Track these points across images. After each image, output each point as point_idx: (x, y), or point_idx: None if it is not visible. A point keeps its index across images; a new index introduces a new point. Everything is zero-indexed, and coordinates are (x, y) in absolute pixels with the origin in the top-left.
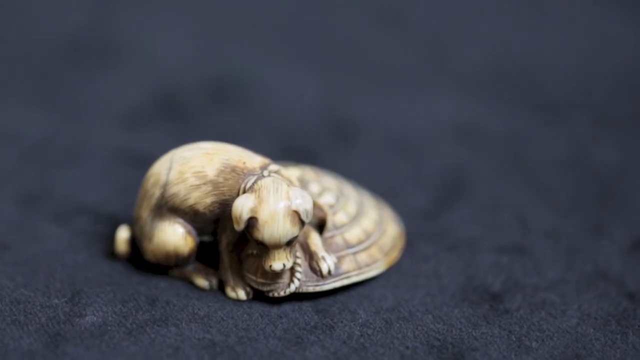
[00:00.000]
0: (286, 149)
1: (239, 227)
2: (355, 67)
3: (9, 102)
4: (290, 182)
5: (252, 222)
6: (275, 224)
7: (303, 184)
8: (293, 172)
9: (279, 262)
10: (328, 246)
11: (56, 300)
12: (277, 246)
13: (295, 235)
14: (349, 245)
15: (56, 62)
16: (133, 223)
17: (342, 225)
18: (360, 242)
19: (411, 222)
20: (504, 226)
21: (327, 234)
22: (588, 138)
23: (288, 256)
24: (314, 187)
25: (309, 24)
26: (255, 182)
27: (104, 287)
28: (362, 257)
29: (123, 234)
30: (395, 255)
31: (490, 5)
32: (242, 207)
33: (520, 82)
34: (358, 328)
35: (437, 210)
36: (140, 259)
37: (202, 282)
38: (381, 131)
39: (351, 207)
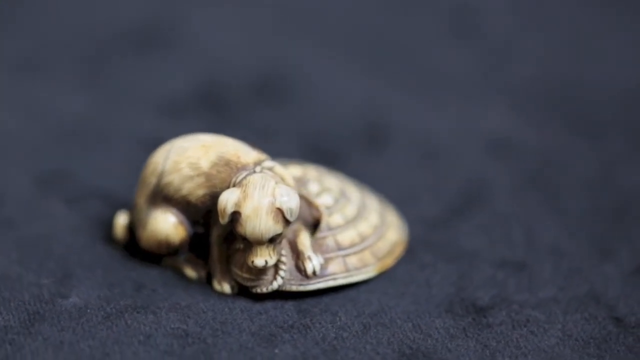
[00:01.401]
0: (314, 149)
1: (223, 220)
2: (401, 72)
3: (54, 81)
4: (282, 180)
5: (235, 216)
6: (257, 219)
7: (303, 183)
8: (293, 170)
9: (261, 258)
10: (318, 247)
11: (45, 280)
12: (260, 242)
13: (278, 232)
14: (339, 248)
15: (106, 47)
16: (132, 209)
17: (337, 227)
18: (352, 245)
19: (418, 230)
20: (509, 241)
21: (319, 234)
22: (618, 160)
23: (271, 253)
24: (314, 187)
25: (362, 26)
26: (245, 177)
27: (95, 270)
28: (352, 260)
29: (121, 220)
30: (389, 261)
31: (546, 22)
32: (227, 200)
33: (563, 100)
34: (334, 330)
35: (448, 220)
36: (138, 246)
37: (191, 272)
38: (414, 138)
39: (350, 210)
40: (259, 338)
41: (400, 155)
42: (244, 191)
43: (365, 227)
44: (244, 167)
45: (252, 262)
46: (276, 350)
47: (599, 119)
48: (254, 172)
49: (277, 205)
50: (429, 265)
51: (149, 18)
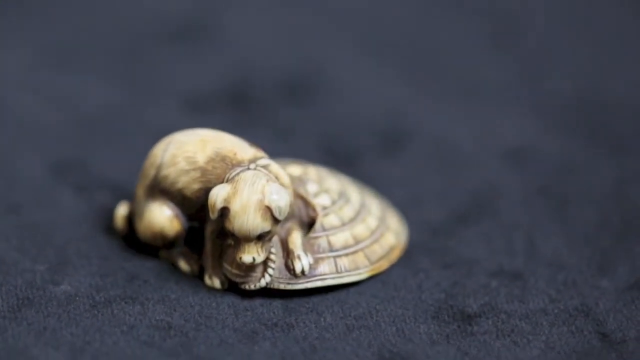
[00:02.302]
0: (330, 150)
1: (213, 215)
2: (430, 78)
3: (85, 71)
4: (276, 179)
5: (224, 212)
6: (245, 216)
7: (301, 183)
8: (293, 170)
9: (248, 255)
10: (310, 246)
11: (40, 267)
12: (248, 239)
13: (266, 230)
14: (332, 249)
15: (139, 40)
16: (132, 201)
17: (331, 228)
18: (345, 247)
19: (420, 235)
20: (510, 251)
21: (313, 234)
22: (633, 177)
23: (259, 250)
24: (312, 187)
25: (396, 31)
26: (237, 173)
27: (92, 259)
28: (344, 262)
29: (122, 211)
30: (384, 265)
31: (577, 36)
32: (217, 196)
33: (586, 114)
34: (317, 330)
35: (452, 226)
36: (137, 237)
37: (184, 266)
38: (431, 143)
39: (347, 212)
40: (240, 334)
41: (416, 160)
42: (234, 187)
43: (361, 229)
44: (239, 164)
45: (240, 258)
46: (255, 347)
47: (621, 134)
48: (248, 169)
49: (266, 203)
50: (424, 271)
51: (185, 13)
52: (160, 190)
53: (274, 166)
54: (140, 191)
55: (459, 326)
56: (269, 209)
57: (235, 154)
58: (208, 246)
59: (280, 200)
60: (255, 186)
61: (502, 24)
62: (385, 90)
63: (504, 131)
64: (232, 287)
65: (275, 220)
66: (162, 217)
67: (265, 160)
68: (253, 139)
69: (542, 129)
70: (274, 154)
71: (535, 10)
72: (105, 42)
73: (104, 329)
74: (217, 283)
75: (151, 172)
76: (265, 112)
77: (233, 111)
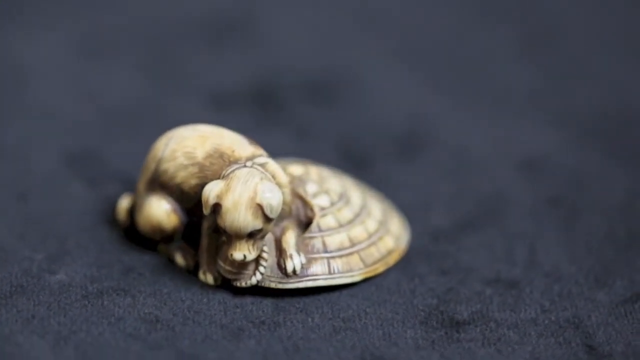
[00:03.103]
0: (346, 151)
1: (206, 211)
2: (455, 85)
3: (115, 63)
4: (272, 177)
5: (217, 208)
6: (236, 213)
7: (301, 183)
8: (294, 169)
9: (239, 252)
10: (304, 246)
11: (38, 255)
12: (239, 236)
13: (257, 228)
14: (326, 250)
15: (170, 35)
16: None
17: (327, 229)
18: (340, 249)
19: (421, 240)
20: (509, 260)
21: (308, 234)
22: None
23: (250, 248)
24: (312, 188)
25: (427, 37)
26: (233, 171)
27: (90, 250)
28: (337, 263)
29: (124, 203)
30: (379, 268)
31: (613, 48)
32: (210, 192)
33: (611, 128)
34: (303, 330)
35: (455, 233)
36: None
37: (181, 260)
38: (448, 149)
39: (345, 214)
40: (226, 331)
41: (429, 165)
42: (228, 184)
43: (358, 231)
44: (236, 161)
45: (231, 255)
46: (239, 345)
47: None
48: (244, 166)
49: (258, 201)
50: (420, 276)
51: (219, 11)
52: (160, 184)
53: (271, 165)
54: (142, 184)
55: (446, 332)
56: (260, 207)
57: (233, 151)
58: (204, 242)
59: (272, 198)
60: (249, 184)
61: (533, 34)
62: (409, 95)
63: (522, 140)
64: (226, 284)
65: (267, 219)
66: (160, 210)
67: (263, 159)
68: (272, 138)
69: (562, 140)
70: (290, 153)
71: (568, 22)
72: (138, 35)
73: (92, 319)
74: (210, 279)
75: (152, 166)
76: (288, 111)
77: (255, 109)
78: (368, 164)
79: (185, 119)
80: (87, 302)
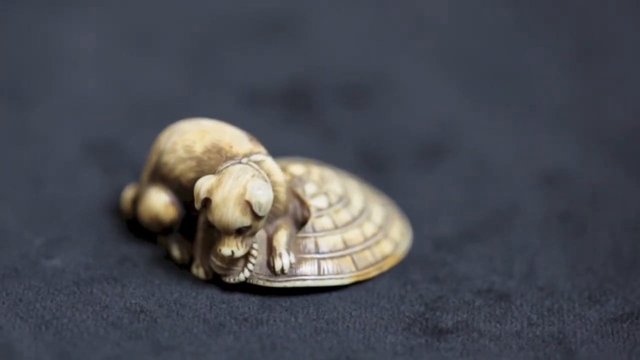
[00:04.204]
0: (366, 154)
1: (197, 205)
2: (489, 95)
3: (151, 55)
4: (266, 175)
5: (207, 203)
6: (225, 208)
7: (301, 182)
8: (295, 168)
9: (227, 248)
10: (296, 246)
11: (38, 240)
12: (227, 232)
13: (246, 225)
14: (317, 250)
15: (213, 32)
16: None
17: (322, 230)
18: (332, 250)
19: (422, 247)
20: (506, 272)
21: (301, 234)
22: None
23: (239, 244)
24: (311, 188)
25: (468, 46)
26: (227, 167)
27: (91, 238)
28: (328, 265)
29: (129, 194)
30: (372, 272)
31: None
32: (201, 186)
33: (637, 146)
34: (284, 329)
35: (458, 242)
36: None
37: (176, 253)
38: (469, 158)
39: (343, 216)
40: (207, 325)
41: (447, 173)
42: (219, 179)
43: (354, 234)
44: (232, 157)
45: (220, 250)
46: (217, 340)
47: None
48: (240, 162)
49: (247, 197)
50: (413, 283)
51: (262, 8)
52: (160, 176)
53: (268, 163)
54: (145, 176)
55: (426, 340)
56: (249, 203)
57: (231, 147)
58: (199, 236)
59: (262, 196)
60: (239, 180)
61: (574, 50)
62: (440, 104)
63: (545, 154)
64: (218, 280)
65: (256, 216)
66: (158, 202)
67: (260, 156)
68: (297, 136)
69: (586, 156)
70: (310, 153)
71: (610, 39)
72: (180, 29)
73: (77, 306)
74: (201, 273)
75: (154, 158)
76: (317, 112)
77: (286, 108)
78: (386, 168)
79: (214, 114)
80: (76, 289)
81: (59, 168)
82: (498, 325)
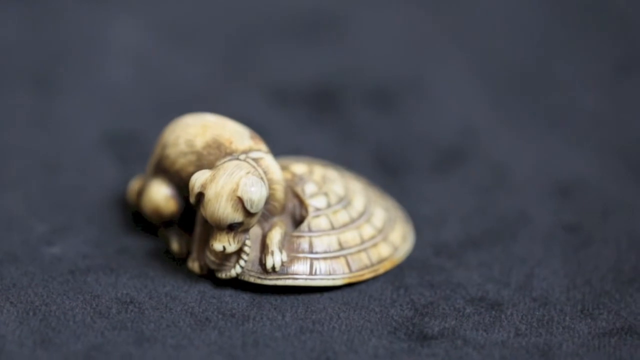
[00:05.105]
0: (383, 157)
1: (192, 199)
2: (517, 104)
3: (186, 48)
4: (263, 173)
5: (200, 197)
6: (217, 204)
7: (301, 182)
8: (297, 167)
9: (219, 243)
10: (290, 245)
11: (42, 227)
12: (219, 227)
13: (237, 221)
14: (312, 250)
15: (250, 29)
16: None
17: (317, 230)
18: (327, 251)
19: (423, 253)
20: (503, 281)
21: (297, 233)
22: None
23: (231, 240)
24: (310, 188)
25: (501, 56)
26: (224, 162)
27: (94, 228)
28: (321, 265)
29: (135, 185)
30: (366, 275)
31: None
32: (196, 180)
33: None
34: (269, 327)
35: (460, 249)
36: None
37: (175, 246)
38: (485, 166)
39: (341, 217)
40: (194, 320)
41: (462, 180)
42: (213, 174)
43: (351, 236)
44: (231, 153)
45: (212, 245)
46: (201, 334)
47: None
48: (237, 159)
49: (238, 193)
50: (407, 287)
51: (302, 8)
52: (162, 169)
53: (266, 160)
54: (149, 168)
55: (409, 345)
56: (240, 200)
57: (231, 143)
58: (197, 230)
59: (254, 193)
60: (233, 176)
61: (609, 64)
62: (467, 111)
63: (564, 166)
64: (212, 275)
65: (248, 213)
66: (159, 195)
67: (259, 154)
68: (318, 136)
69: (604, 170)
70: (328, 154)
71: None
72: (216, 26)
73: (69, 294)
74: (196, 267)
75: (158, 151)
76: (341, 113)
77: (311, 108)
78: (401, 173)
79: (239, 110)
80: (70, 277)
81: (76, 156)
82: (484, 333)
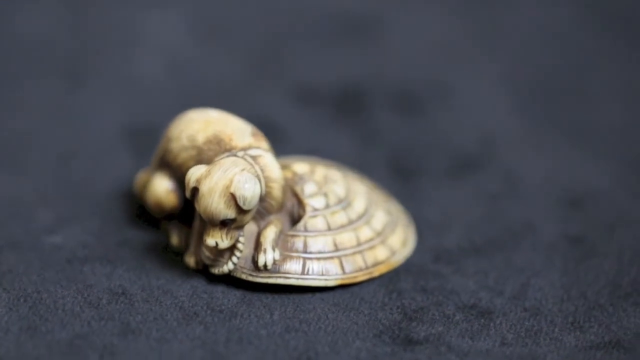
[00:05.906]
0: (396, 162)
1: (187, 194)
2: (542, 113)
3: (218, 45)
4: (260, 170)
5: (195, 192)
6: (210, 199)
7: (301, 181)
8: (299, 167)
9: (212, 239)
10: (285, 243)
11: (47, 216)
12: (212, 223)
13: (230, 217)
14: (306, 250)
15: (283, 29)
16: None
17: (313, 230)
18: (320, 252)
19: (421, 258)
20: (497, 290)
21: (292, 232)
22: None
23: (224, 236)
24: (310, 187)
25: (532, 66)
26: (221, 158)
27: (98, 219)
28: (313, 265)
29: (142, 178)
30: (359, 277)
31: None
32: (191, 175)
33: None
34: (255, 325)
35: (459, 256)
36: None
37: (175, 240)
38: (499, 174)
39: (339, 218)
40: (182, 314)
41: (473, 187)
42: (209, 170)
43: (347, 237)
44: (230, 150)
45: (205, 240)
46: (187, 328)
47: None
48: (235, 155)
49: (232, 190)
50: (400, 292)
51: (335, 9)
52: (165, 162)
53: (265, 158)
54: (154, 161)
55: (392, 349)
56: (233, 196)
57: (231, 139)
58: (195, 225)
59: (247, 190)
60: (228, 172)
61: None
62: (489, 119)
63: (577, 177)
64: (206, 270)
65: (241, 210)
66: (160, 188)
67: (258, 151)
68: (337, 137)
69: (617, 183)
70: (344, 156)
71: None
72: (247, 23)
73: (62, 283)
74: (192, 262)
75: (163, 144)
76: (365, 116)
77: (334, 109)
78: (413, 177)
79: (262, 108)
80: (67, 266)
81: (93, 147)
82: (470, 341)
